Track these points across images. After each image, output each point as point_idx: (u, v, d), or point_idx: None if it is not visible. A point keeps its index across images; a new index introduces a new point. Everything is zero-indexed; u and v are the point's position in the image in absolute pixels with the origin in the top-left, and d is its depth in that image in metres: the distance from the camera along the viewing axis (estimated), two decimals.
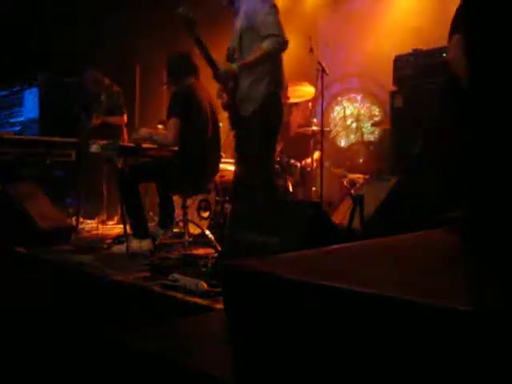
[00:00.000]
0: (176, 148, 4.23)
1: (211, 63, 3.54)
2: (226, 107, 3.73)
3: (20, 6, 6.69)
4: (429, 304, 0.84)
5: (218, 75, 3.56)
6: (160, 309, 2.77)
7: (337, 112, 6.92)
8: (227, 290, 1.14)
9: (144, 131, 4.28)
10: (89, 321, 2.74)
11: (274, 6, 3.52)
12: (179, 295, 2.77)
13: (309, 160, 5.47)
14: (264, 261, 1.24)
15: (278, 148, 5.34)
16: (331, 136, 6.76)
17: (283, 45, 3.44)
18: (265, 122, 3.56)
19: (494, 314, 0.83)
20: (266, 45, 3.38)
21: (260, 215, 2.91)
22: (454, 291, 0.95)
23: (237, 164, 3.87)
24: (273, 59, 3.52)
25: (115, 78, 6.09)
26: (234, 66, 3.53)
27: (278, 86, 3.60)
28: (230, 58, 3.68)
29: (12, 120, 7.09)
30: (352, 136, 6.66)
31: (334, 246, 1.37)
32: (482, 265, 1.21)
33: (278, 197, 3.78)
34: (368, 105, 6.64)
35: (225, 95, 3.67)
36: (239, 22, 3.59)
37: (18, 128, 6.90)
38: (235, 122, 3.72)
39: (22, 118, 6.98)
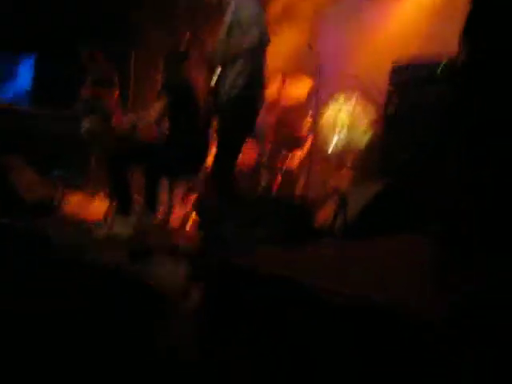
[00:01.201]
0: (167, 132, 4.30)
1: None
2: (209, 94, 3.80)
3: None
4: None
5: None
6: (133, 293, 2.77)
7: (330, 111, 6.90)
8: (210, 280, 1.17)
9: (126, 121, 4.38)
10: (61, 301, 2.74)
11: (261, 4, 3.62)
12: (154, 281, 2.77)
13: (297, 158, 5.49)
14: (241, 255, 1.27)
15: (267, 147, 5.36)
16: (322, 135, 6.75)
17: (265, 42, 3.52)
18: (237, 118, 3.63)
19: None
20: (249, 39, 3.44)
21: (241, 208, 2.93)
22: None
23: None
24: (254, 56, 3.56)
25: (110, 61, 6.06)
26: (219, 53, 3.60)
27: (256, 84, 3.64)
28: None
29: (4, 90, 7.01)
30: (343, 136, 6.66)
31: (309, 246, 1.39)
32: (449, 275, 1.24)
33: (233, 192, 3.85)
34: (362, 106, 6.62)
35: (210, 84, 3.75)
36: (228, 17, 3.63)
37: (10, 98, 6.83)
38: (213, 113, 3.80)
39: (15, 89, 6.91)
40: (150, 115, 4.37)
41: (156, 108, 4.30)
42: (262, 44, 3.48)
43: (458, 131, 2.45)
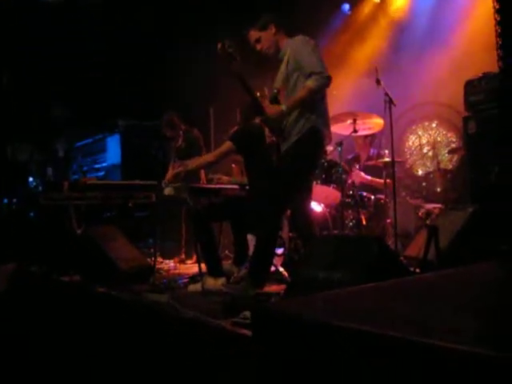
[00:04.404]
0: (246, 186, 4.39)
1: (253, 99, 3.64)
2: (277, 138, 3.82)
3: (99, 58, 7.10)
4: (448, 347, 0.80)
5: (267, 121, 3.65)
6: (229, 346, 2.78)
7: (412, 141, 6.79)
8: (255, 330, 1.15)
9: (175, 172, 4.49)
10: (161, 358, 2.80)
11: (316, 46, 3.60)
12: (248, 332, 2.76)
13: (381, 187, 5.43)
14: (291, 301, 1.24)
15: (350, 181, 5.31)
16: (408, 166, 6.64)
17: (327, 80, 3.46)
18: (297, 158, 3.60)
19: None
20: (310, 82, 3.43)
21: (323, 250, 2.89)
22: (480, 333, 0.90)
23: None
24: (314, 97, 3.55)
25: (192, 121, 6.30)
26: (283, 107, 3.54)
27: (317, 123, 3.61)
28: (274, 100, 3.73)
29: (96, 166, 7.45)
30: (429, 164, 6.50)
31: (371, 285, 1.34)
32: None
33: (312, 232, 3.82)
34: (444, 131, 6.47)
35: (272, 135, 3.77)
36: (284, 66, 3.68)
37: (102, 173, 7.24)
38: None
39: (105, 164, 7.31)
40: (205, 159, 4.65)
41: (215, 153, 4.49)
42: (326, 83, 3.47)
43: None
